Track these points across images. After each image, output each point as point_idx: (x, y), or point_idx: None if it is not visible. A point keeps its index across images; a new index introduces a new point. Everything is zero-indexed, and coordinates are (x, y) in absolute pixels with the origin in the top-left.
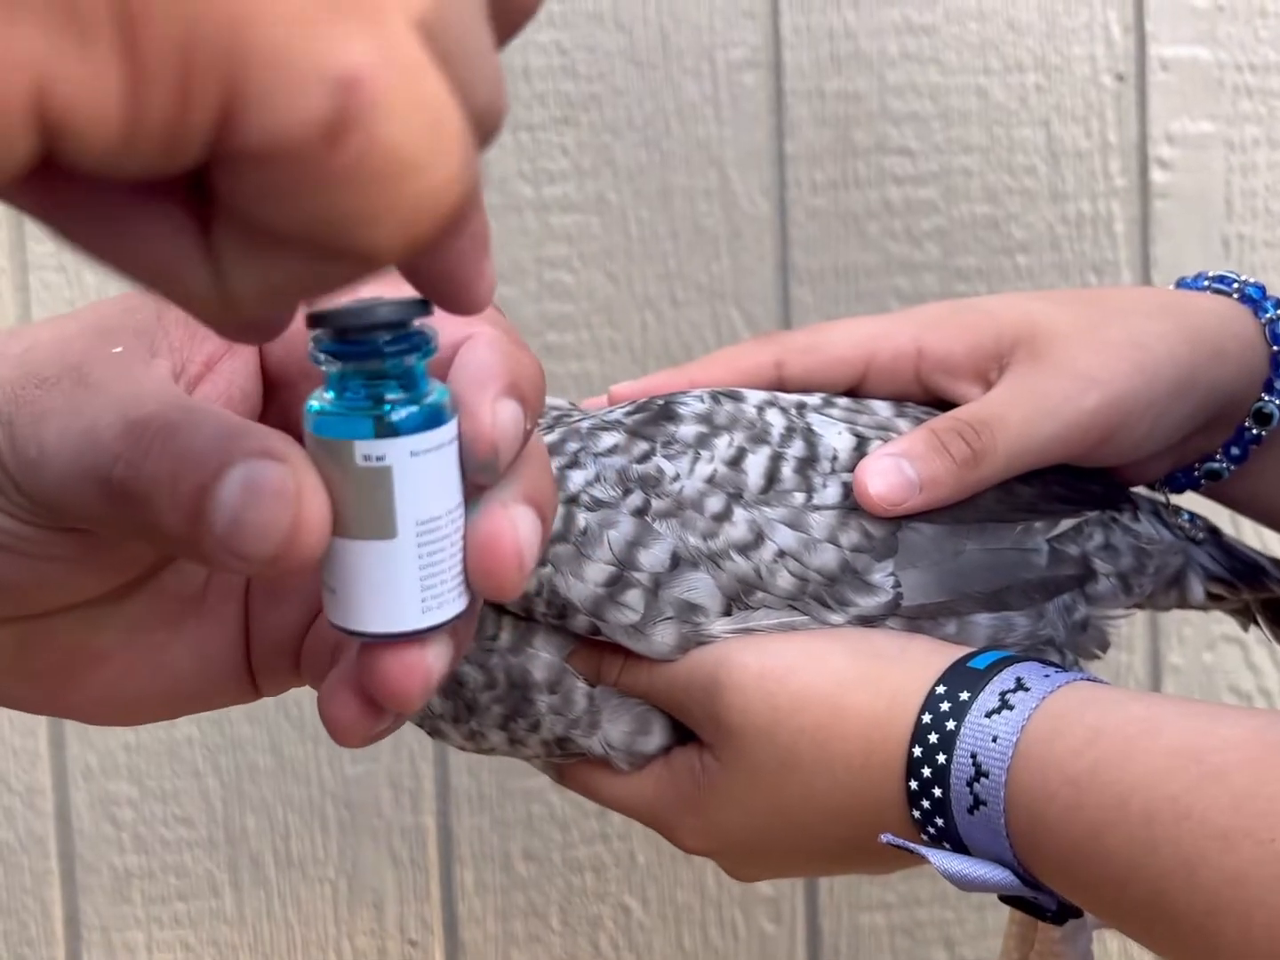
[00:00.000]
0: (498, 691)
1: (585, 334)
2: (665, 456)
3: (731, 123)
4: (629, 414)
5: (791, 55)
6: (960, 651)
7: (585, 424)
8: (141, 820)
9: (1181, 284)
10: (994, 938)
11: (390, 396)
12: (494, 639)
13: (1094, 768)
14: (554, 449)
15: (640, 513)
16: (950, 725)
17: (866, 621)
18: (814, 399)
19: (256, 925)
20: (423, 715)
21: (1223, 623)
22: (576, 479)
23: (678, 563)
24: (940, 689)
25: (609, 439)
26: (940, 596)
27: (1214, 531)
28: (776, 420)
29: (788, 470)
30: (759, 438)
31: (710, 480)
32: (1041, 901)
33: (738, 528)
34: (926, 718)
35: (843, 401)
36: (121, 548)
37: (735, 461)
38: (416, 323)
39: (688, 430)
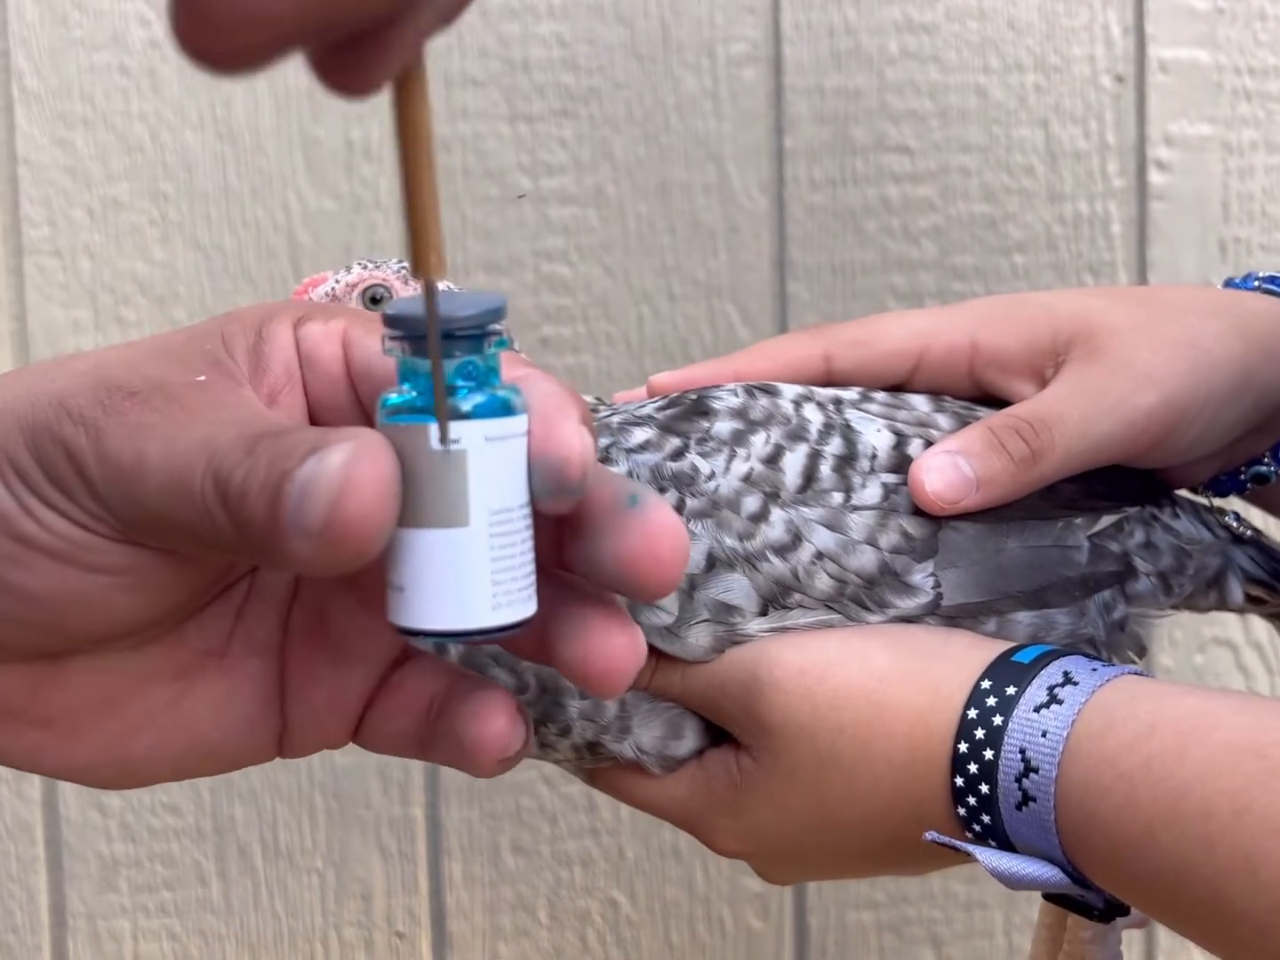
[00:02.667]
0: (528, 696)
1: (581, 327)
2: (700, 454)
3: (731, 118)
4: (660, 409)
5: (792, 51)
6: (1003, 646)
7: (616, 419)
8: (129, 808)
9: (1230, 284)
10: (981, 938)
11: (462, 384)
12: None
13: (1148, 762)
14: None
15: (675, 512)
16: (997, 720)
17: (905, 621)
18: (851, 394)
19: (243, 915)
20: None
21: (1214, 625)
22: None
23: (714, 564)
24: (985, 684)
25: (640, 434)
26: (981, 596)
27: (1258, 533)
28: (814, 416)
29: (826, 469)
30: (796, 434)
31: (747, 479)
32: (1089, 899)
33: (775, 528)
34: (972, 713)
35: (880, 396)
36: (174, 569)
37: (773, 459)
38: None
39: (723, 426)
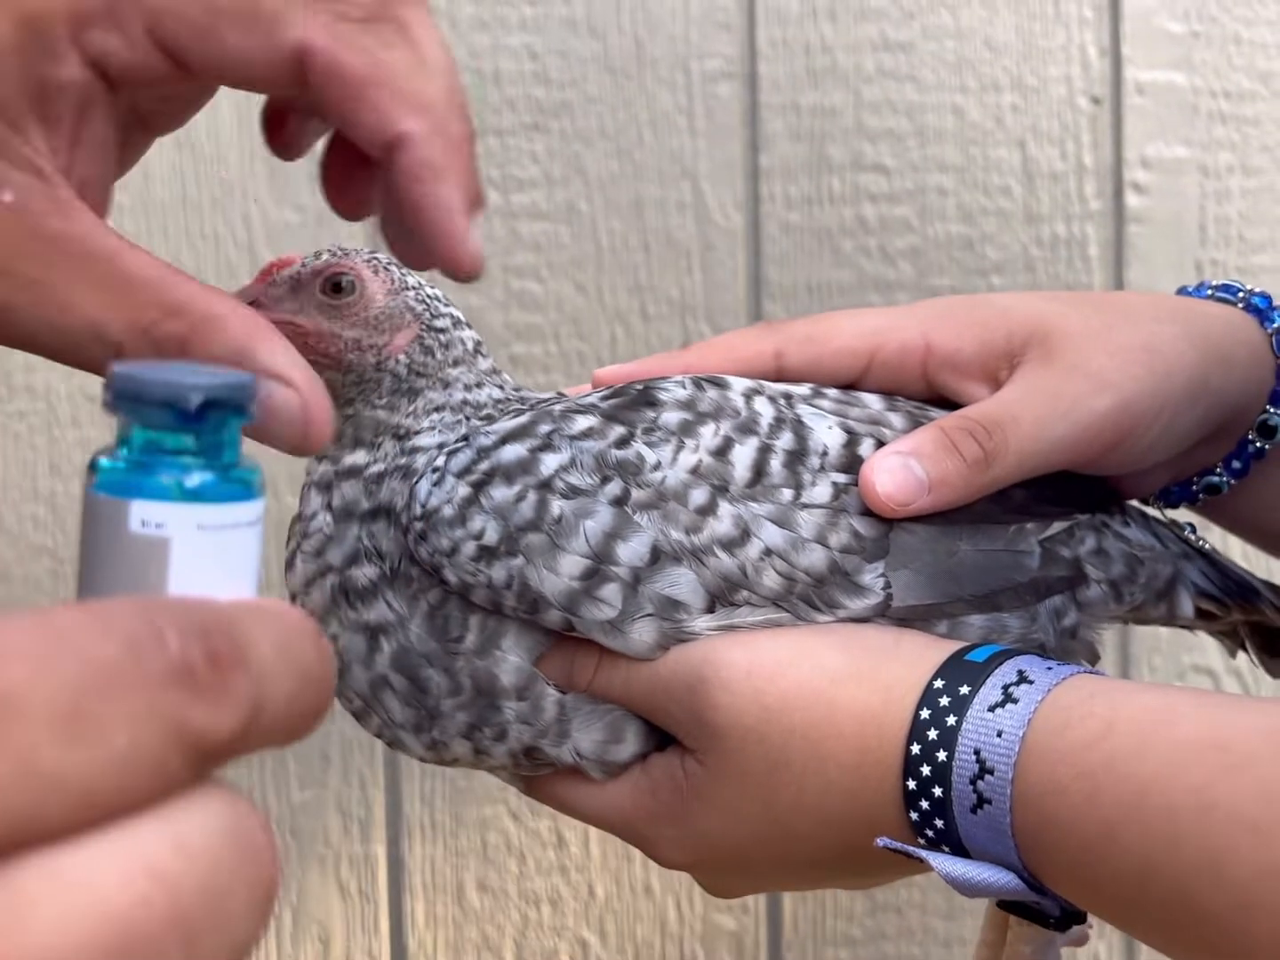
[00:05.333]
0: (463, 698)
1: (553, 346)
2: (646, 443)
3: (705, 134)
4: (605, 398)
5: (767, 68)
6: (955, 645)
7: (558, 407)
8: None
9: (1183, 292)
10: None
11: (181, 458)
12: (459, 640)
13: (1108, 760)
14: (525, 431)
15: (619, 502)
16: (951, 720)
17: (855, 622)
18: (802, 389)
19: None
20: (381, 725)
21: (1193, 652)
22: (550, 462)
23: (658, 557)
24: (938, 683)
25: (583, 421)
26: (932, 598)
27: (1213, 550)
28: (765, 410)
29: (776, 464)
30: (746, 427)
31: (695, 471)
32: (1044, 906)
33: (723, 523)
34: (925, 713)
35: (832, 393)
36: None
37: (721, 452)
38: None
39: (670, 417)
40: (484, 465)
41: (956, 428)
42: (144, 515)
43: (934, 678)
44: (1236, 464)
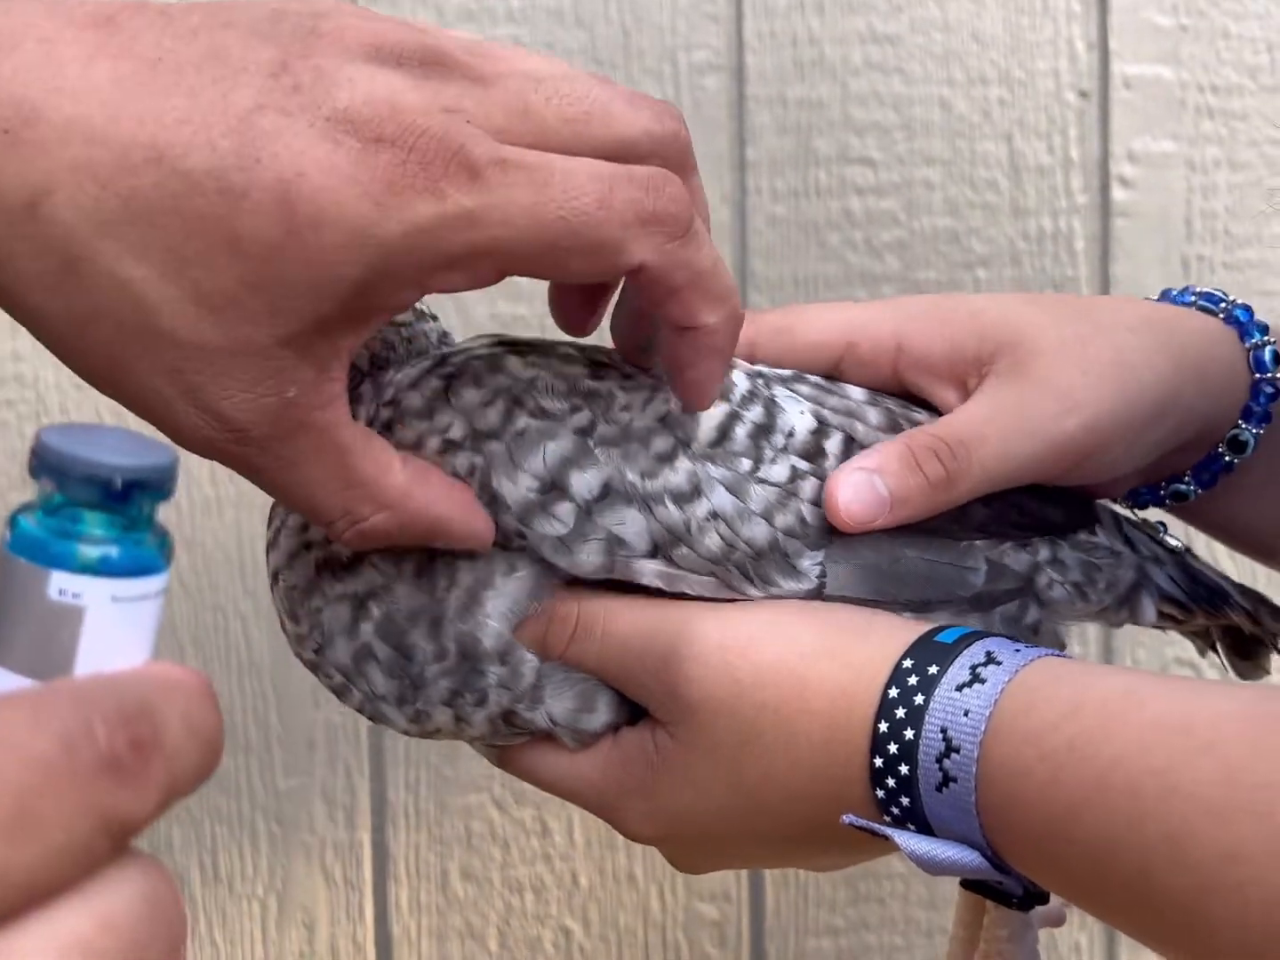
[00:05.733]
0: (448, 663)
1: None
2: (620, 386)
3: (692, 127)
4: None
5: (754, 60)
6: (925, 627)
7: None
8: None
9: (1166, 296)
10: None
11: (102, 533)
12: (447, 591)
13: (1072, 742)
14: (501, 360)
15: (584, 433)
16: (919, 699)
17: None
18: (784, 373)
19: None
20: (363, 699)
21: (1175, 645)
22: (524, 376)
23: (608, 493)
24: (907, 663)
25: (565, 361)
26: (866, 595)
27: (1187, 549)
28: (740, 381)
29: (741, 433)
30: (721, 393)
31: (662, 420)
32: (1007, 886)
33: (678, 475)
34: (893, 692)
35: (813, 379)
36: None
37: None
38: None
39: (647, 378)
40: (452, 367)
41: (923, 446)
42: (62, 585)
43: (903, 657)
44: (1205, 475)
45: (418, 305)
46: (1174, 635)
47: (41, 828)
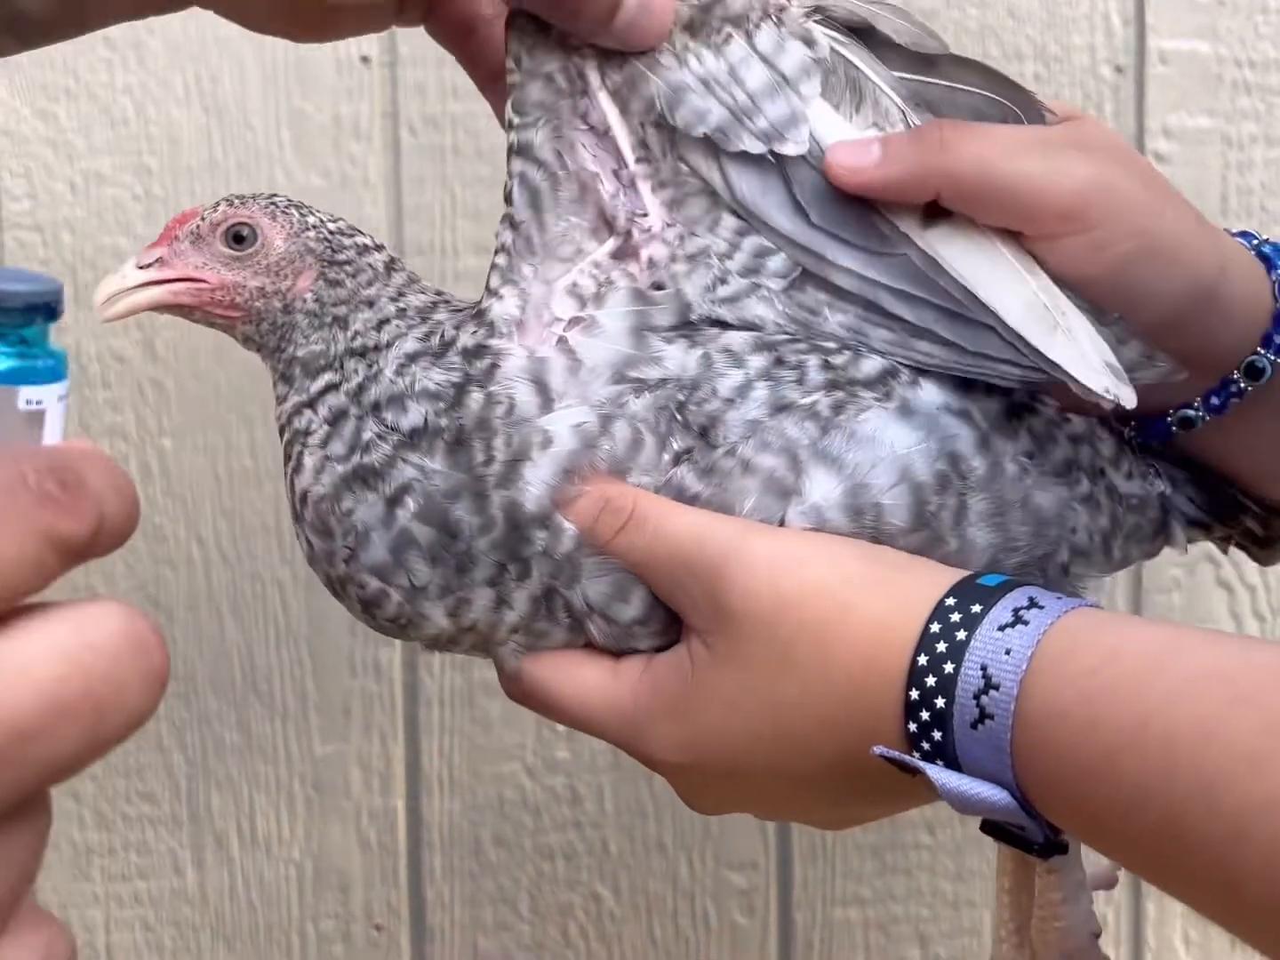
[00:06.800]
0: (496, 534)
1: None
2: None
3: None
4: None
5: None
6: (966, 571)
7: None
8: (103, 796)
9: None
10: (968, 936)
11: (41, 349)
12: (487, 464)
13: (1113, 686)
14: None
15: None
16: (960, 635)
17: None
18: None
19: (219, 906)
20: (402, 599)
21: (1205, 620)
22: None
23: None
24: (950, 600)
25: None
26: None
27: (1187, 468)
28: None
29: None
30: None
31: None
32: (1029, 832)
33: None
34: (935, 627)
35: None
36: None
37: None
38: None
39: None
40: None
41: (925, 126)
42: (28, 396)
43: (947, 595)
44: (1215, 400)
45: (360, 240)
46: (1204, 610)
47: None
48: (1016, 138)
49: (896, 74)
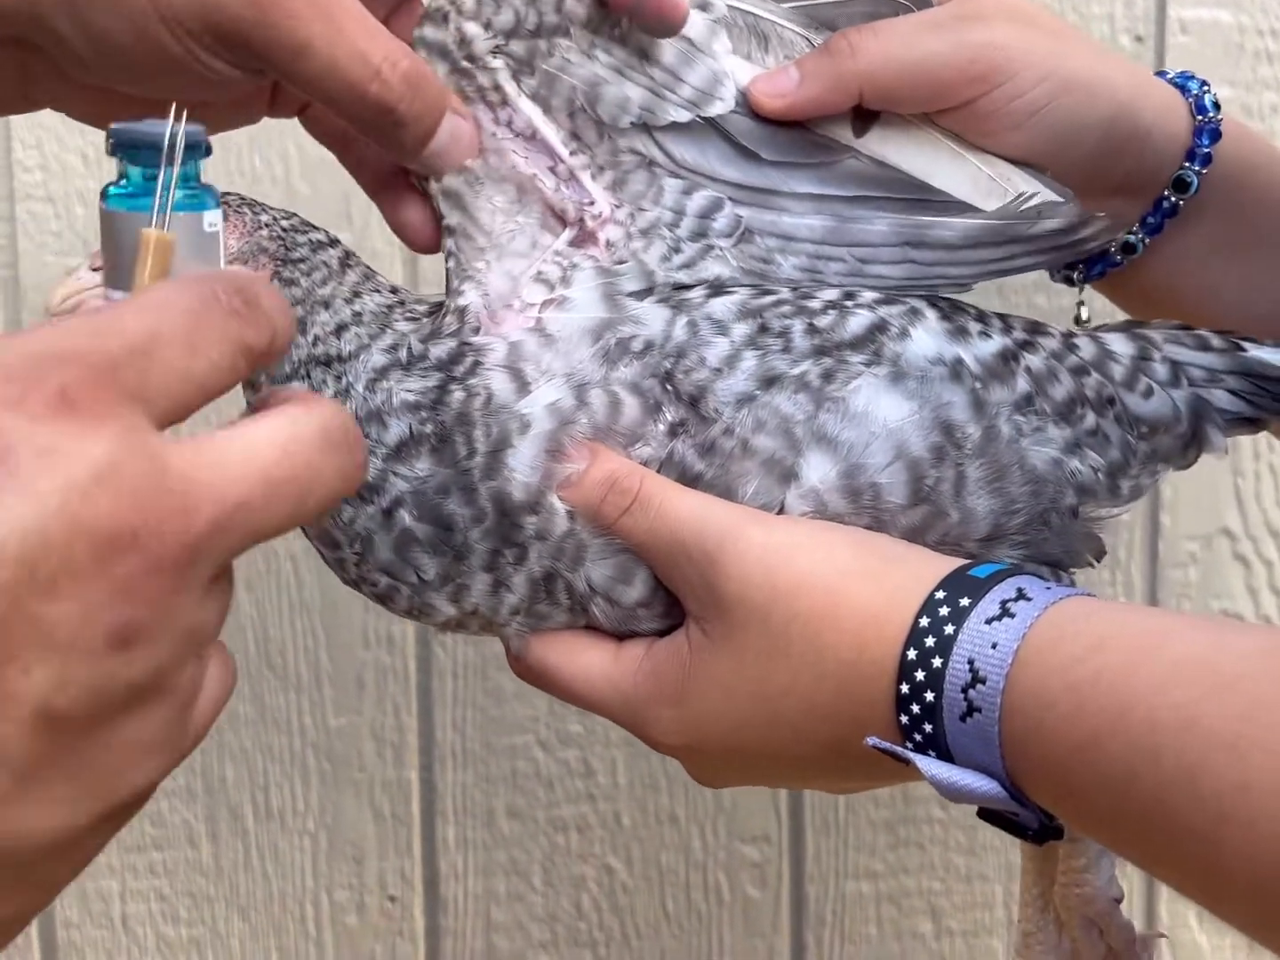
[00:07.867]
0: (487, 524)
1: None
2: None
3: None
4: None
5: None
6: (960, 561)
7: None
8: None
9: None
10: (980, 910)
11: (201, 182)
12: (470, 457)
13: (1097, 674)
14: None
15: None
16: (949, 630)
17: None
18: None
19: (233, 877)
20: (411, 593)
21: (1221, 598)
22: None
23: None
24: (940, 594)
25: None
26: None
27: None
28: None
29: None
30: None
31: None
32: (1024, 819)
33: None
34: (924, 621)
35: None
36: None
37: None
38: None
39: None
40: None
41: (831, 38)
42: (209, 220)
43: (937, 588)
44: (1151, 219)
45: (315, 237)
46: (1220, 588)
47: (204, 348)
48: (913, 24)
49: (787, 5)
